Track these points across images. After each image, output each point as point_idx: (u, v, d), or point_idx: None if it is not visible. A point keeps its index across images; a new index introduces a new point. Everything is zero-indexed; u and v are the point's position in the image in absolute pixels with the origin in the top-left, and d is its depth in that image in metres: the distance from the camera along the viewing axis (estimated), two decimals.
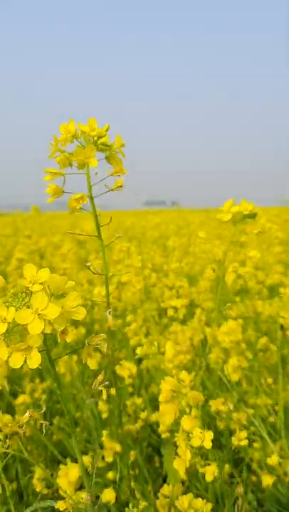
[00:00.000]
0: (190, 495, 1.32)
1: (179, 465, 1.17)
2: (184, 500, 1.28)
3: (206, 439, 1.18)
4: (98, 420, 2.30)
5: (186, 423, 1.19)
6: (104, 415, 2.27)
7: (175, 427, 2.10)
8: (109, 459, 1.91)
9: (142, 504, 1.24)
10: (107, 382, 0.95)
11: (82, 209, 1.16)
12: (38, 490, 1.80)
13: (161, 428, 2.16)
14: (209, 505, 1.27)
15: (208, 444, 1.16)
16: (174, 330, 2.35)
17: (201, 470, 1.23)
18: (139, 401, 2.40)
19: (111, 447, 1.90)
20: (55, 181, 1.16)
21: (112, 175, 1.20)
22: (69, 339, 0.77)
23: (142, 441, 2.33)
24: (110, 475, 1.93)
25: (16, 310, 0.72)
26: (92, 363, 0.86)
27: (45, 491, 1.76)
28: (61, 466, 1.40)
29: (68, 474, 1.33)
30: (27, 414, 0.85)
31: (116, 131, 1.24)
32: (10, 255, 5.55)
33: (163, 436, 2.15)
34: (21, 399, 2.07)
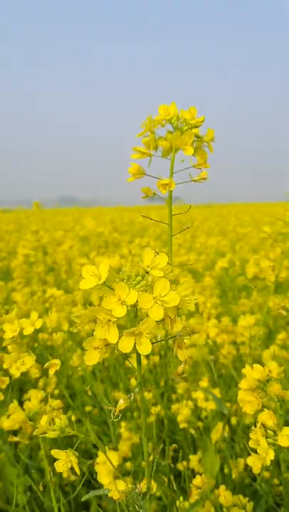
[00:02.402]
0: (223, 487, 1.25)
1: (255, 462, 1.05)
2: (226, 495, 1.20)
3: None
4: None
5: (267, 419, 1.07)
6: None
7: (191, 417, 2.07)
8: (127, 449, 1.90)
9: (194, 497, 1.19)
10: (184, 375, 0.92)
11: (155, 195, 1.13)
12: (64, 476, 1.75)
13: (180, 418, 2.13)
14: (251, 504, 1.22)
15: None
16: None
17: (285, 475, 1.11)
18: (149, 396, 2.40)
19: (129, 438, 1.89)
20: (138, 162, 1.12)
21: (195, 167, 1.16)
22: (177, 328, 0.74)
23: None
24: (128, 465, 1.92)
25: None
26: (182, 355, 0.81)
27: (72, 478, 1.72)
28: (99, 453, 1.32)
29: (108, 461, 1.24)
30: (121, 401, 0.82)
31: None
32: (13, 251, 5.55)
33: (181, 426, 2.13)
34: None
